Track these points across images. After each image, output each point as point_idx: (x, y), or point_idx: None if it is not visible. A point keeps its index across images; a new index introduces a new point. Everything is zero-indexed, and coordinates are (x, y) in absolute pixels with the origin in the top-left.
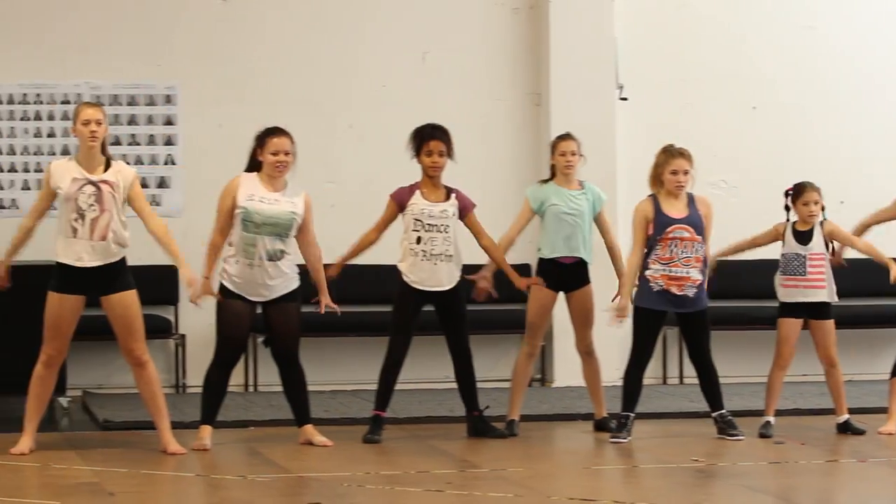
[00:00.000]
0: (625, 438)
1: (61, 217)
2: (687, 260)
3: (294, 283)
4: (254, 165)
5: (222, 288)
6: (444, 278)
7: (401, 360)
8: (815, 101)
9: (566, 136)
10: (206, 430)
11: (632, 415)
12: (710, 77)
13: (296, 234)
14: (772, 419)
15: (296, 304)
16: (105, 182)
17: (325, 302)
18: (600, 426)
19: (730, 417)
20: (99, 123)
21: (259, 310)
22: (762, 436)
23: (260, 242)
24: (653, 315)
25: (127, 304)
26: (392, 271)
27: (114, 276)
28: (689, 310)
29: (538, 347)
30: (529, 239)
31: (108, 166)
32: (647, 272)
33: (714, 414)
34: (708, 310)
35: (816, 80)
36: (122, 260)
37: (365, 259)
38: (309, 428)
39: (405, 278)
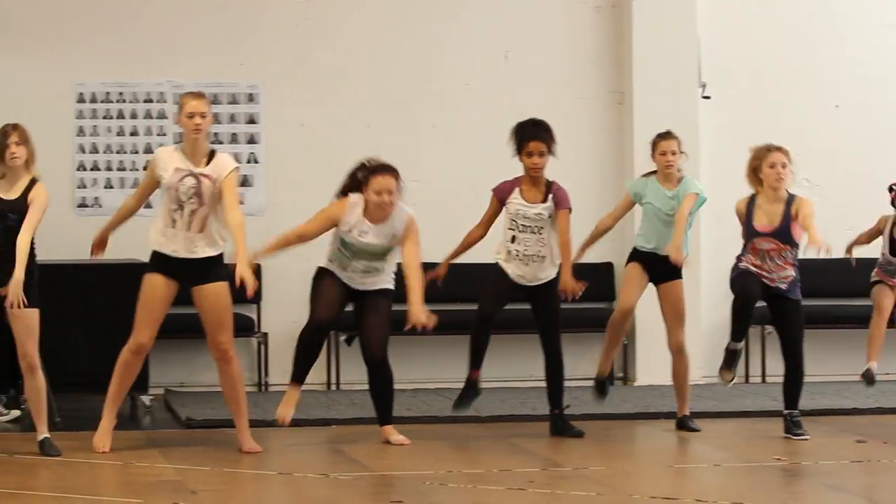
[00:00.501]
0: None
1: (161, 206)
2: (779, 266)
3: (388, 282)
4: (351, 187)
5: (322, 269)
6: (536, 277)
7: (491, 316)
8: None
9: (666, 135)
10: (294, 392)
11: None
12: (793, 75)
13: None
14: (874, 365)
15: (387, 301)
16: (205, 176)
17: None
18: (682, 425)
19: (798, 418)
20: (203, 116)
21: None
22: (864, 377)
23: (356, 262)
24: (749, 275)
25: (218, 294)
26: (476, 270)
27: (208, 267)
28: (781, 291)
29: (632, 305)
30: (613, 238)
31: (210, 158)
32: (742, 262)
33: (785, 412)
34: (801, 303)
35: None
36: (219, 253)
37: (441, 257)
38: (388, 428)
39: (502, 266)
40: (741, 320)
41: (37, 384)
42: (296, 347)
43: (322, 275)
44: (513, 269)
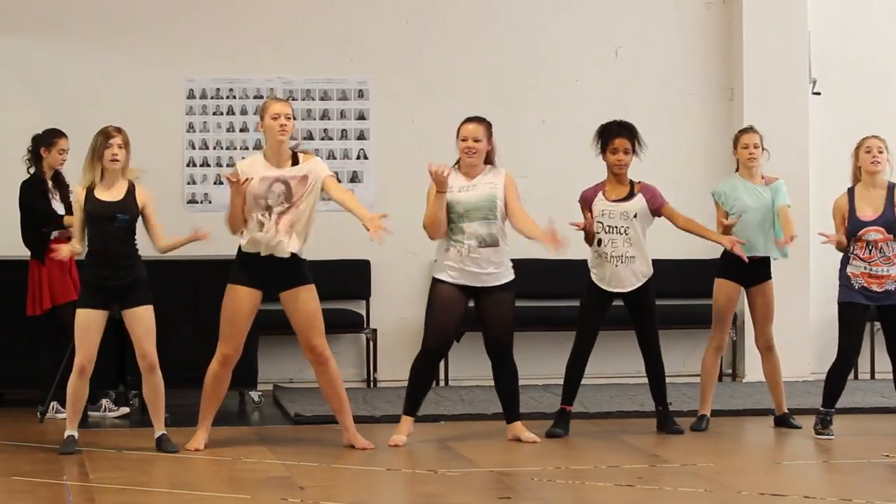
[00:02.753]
0: (831, 436)
1: (249, 212)
2: (886, 259)
3: (508, 275)
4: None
5: (434, 279)
6: (625, 280)
7: (586, 355)
8: None
9: (748, 129)
10: (406, 423)
11: (833, 411)
12: None
13: None
14: None
15: (510, 294)
16: (294, 177)
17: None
18: (781, 422)
19: None
20: (289, 118)
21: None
22: None
23: (469, 234)
24: (855, 309)
25: (307, 298)
26: (579, 266)
27: (292, 271)
28: (890, 302)
29: (725, 340)
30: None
31: (295, 161)
32: (849, 269)
33: None
34: None
35: None
36: (301, 257)
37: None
38: (518, 425)
39: (592, 275)
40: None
41: (156, 383)
42: (408, 379)
43: (435, 289)
44: (601, 274)
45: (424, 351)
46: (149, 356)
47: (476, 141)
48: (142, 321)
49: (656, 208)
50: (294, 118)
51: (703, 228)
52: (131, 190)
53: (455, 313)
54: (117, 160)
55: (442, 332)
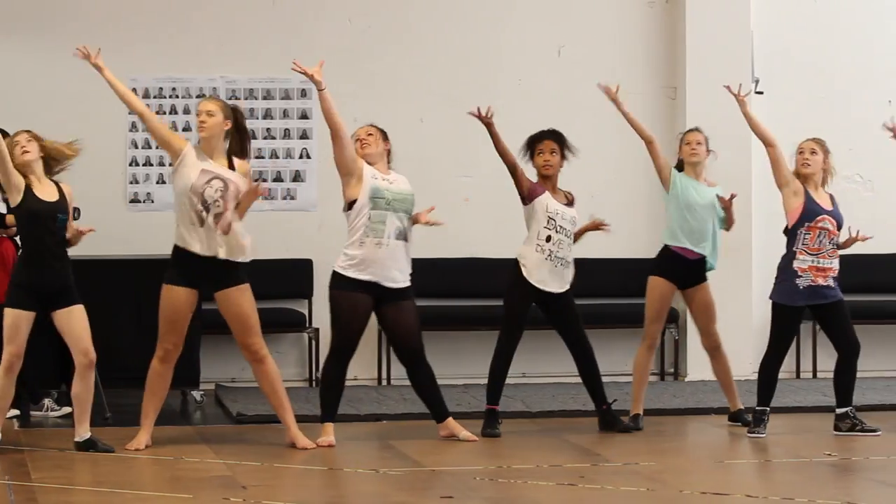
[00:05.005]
0: (763, 433)
1: (184, 206)
2: (833, 252)
3: (408, 278)
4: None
5: (341, 277)
6: (559, 282)
7: (512, 353)
8: None
9: (693, 129)
10: (329, 428)
11: (768, 409)
12: (846, 71)
13: None
14: None
15: (411, 301)
16: (232, 180)
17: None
18: (735, 418)
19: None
20: (210, 114)
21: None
22: None
23: (390, 224)
24: (791, 311)
25: (241, 299)
26: (502, 265)
27: (227, 272)
28: (825, 301)
29: (657, 340)
30: (649, 237)
31: (231, 166)
32: (795, 264)
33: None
34: (843, 299)
35: None
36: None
37: (494, 253)
38: (451, 421)
39: (524, 272)
40: (769, 386)
41: (91, 381)
42: (321, 384)
43: (339, 287)
44: (539, 274)
45: (336, 353)
46: (90, 353)
47: (369, 135)
48: (81, 320)
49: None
50: (214, 115)
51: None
52: (61, 189)
53: (365, 314)
54: (27, 151)
55: (352, 330)
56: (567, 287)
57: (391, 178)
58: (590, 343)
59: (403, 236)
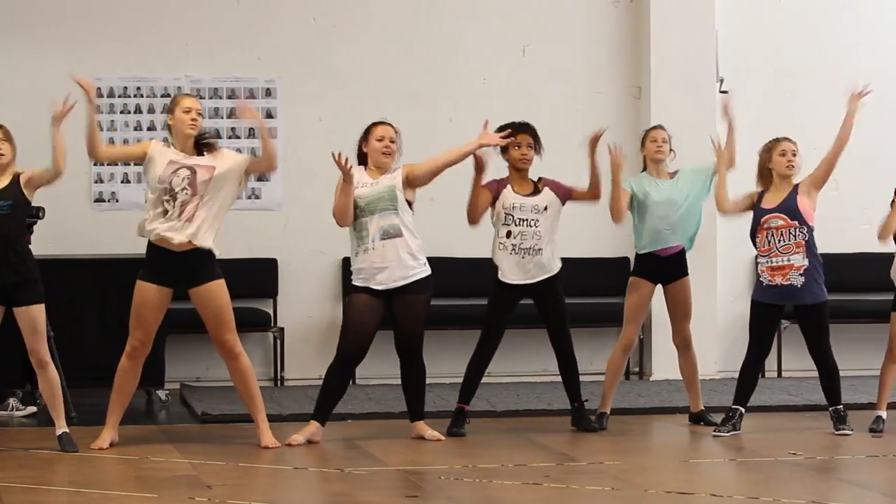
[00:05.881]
0: (727, 432)
1: (153, 199)
2: (786, 248)
3: (422, 272)
4: (360, 159)
5: (350, 286)
6: (531, 271)
7: (491, 354)
8: None
9: (657, 127)
10: (312, 427)
11: (741, 409)
12: (811, 70)
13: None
14: (883, 414)
15: (424, 295)
16: (203, 167)
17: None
18: (697, 419)
19: (843, 413)
20: (199, 114)
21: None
22: (872, 431)
23: (373, 227)
24: (765, 309)
25: (216, 294)
26: (490, 264)
27: (201, 266)
28: (804, 302)
29: (634, 340)
30: (628, 232)
31: (200, 152)
32: (758, 267)
33: (830, 409)
34: (826, 304)
35: None
36: (210, 250)
37: (464, 252)
38: (421, 424)
39: (498, 274)
40: (746, 385)
41: (50, 379)
42: (322, 384)
43: (350, 296)
44: (508, 268)
45: (340, 357)
46: (37, 353)
47: (392, 142)
48: (35, 320)
49: (565, 194)
50: (201, 114)
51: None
52: (16, 179)
53: (371, 320)
54: (2, 153)
55: (359, 336)
56: (547, 274)
57: (374, 181)
58: (570, 339)
59: (392, 234)
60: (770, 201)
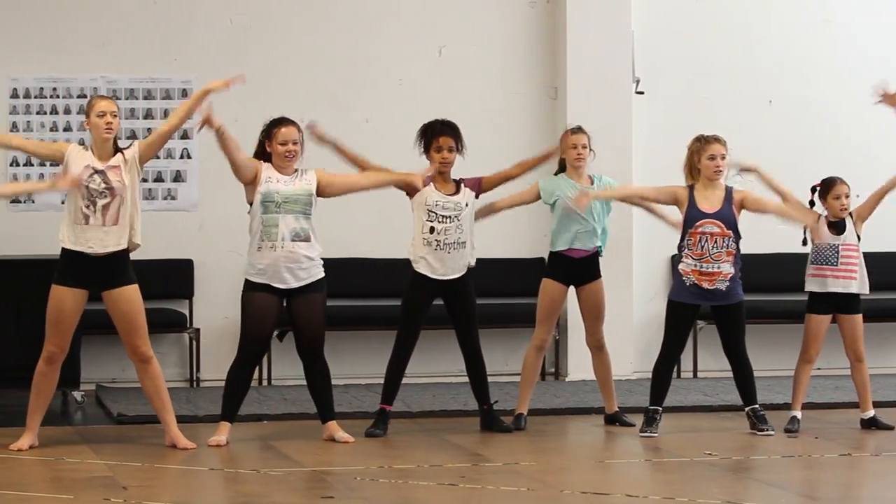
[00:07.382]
0: (654, 433)
1: (70, 205)
2: (718, 255)
3: (318, 272)
4: (261, 156)
5: (246, 282)
6: (454, 266)
7: (409, 353)
8: (832, 94)
9: (577, 130)
10: (225, 427)
11: (660, 409)
12: (727, 71)
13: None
14: (798, 414)
15: (321, 295)
16: (112, 168)
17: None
18: (612, 420)
19: (762, 413)
20: (115, 115)
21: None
22: (788, 431)
23: (283, 225)
24: (685, 308)
25: (129, 299)
26: (406, 264)
27: (116, 270)
28: (723, 303)
29: (548, 341)
30: (544, 232)
31: (116, 154)
32: (681, 266)
33: (747, 409)
34: (743, 303)
35: (834, 74)
36: (126, 253)
37: (377, 253)
38: (332, 424)
39: (416, 267)
40: (661, 385)
41: None
42: (225, 385)
43: (248, 293)
44: (430, 264)
45: (243, 358)
46: None
47: (294, 144)
48: None
49: (477, 186)
50: (117, 116)
51: (523, 163)
52: None
53: (271, 319)
54: None
55: (259, 334)
56: (464, 271)
57: (289, 178)
58: (478, 340)
59: (302, 237)
60: (706, 205)
